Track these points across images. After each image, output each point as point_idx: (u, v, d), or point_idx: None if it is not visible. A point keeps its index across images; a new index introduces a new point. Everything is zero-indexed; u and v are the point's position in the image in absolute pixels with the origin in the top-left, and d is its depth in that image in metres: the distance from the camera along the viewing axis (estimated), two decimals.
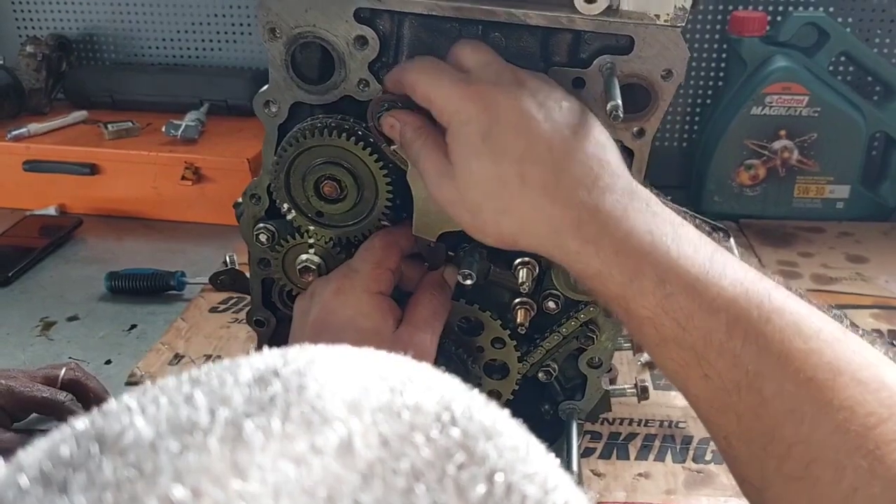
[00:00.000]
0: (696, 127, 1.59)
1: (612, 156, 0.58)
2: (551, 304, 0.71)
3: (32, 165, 1.48)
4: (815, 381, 0.49)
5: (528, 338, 0.74)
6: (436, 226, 0.66)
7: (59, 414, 0.88)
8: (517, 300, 0.71)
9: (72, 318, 1.18)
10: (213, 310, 1.19)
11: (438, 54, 0.63)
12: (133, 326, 1.16)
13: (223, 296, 1.20)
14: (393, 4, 0.62)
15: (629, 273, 0.54)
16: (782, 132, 1.41)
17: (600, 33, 0.62)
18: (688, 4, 0.60)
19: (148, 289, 1.23)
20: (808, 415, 0.49)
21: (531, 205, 0.56)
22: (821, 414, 0.48)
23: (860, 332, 0.55)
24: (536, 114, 0.56)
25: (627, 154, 0.65)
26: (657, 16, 0.60)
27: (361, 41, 0.63)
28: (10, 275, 1.27)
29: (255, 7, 0.62)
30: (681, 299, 0.52)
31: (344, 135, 0.64)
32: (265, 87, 0.66)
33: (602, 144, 0.58)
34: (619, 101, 0.57)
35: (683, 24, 0.60)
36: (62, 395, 0.88)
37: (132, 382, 1.03)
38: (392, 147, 0.63)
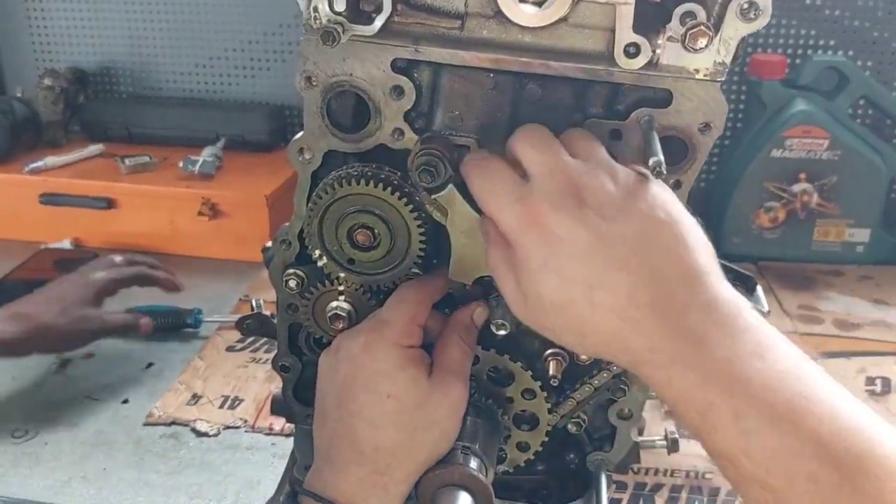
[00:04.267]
0: (714, 168, 1.59)
1: (694, 258, 0.52)
2: (584, 356, 0.70)
3: (49, 199, 1.48)
4: None
5: (559, 389, 0.73)
6: (472, 271, 0.65)
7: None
8: (549, 350, 0.70)
9: (88, 356, 1.17)
10: (231, 349, 1.18)
11: (474, 105, 0.63)
12: (150, 364, 1.15)
13: (240, 335, 1.19)
14: (431, 56, 0.61)
15: (702, 406, 0.49)
16: (802, 175, 1.41)
17: (638, 86, 0.62)
18: (727, 59, 0.59)
19: (164, 326, 1.22)
20: None
21: (604, 329, 0.52)
22: None
23: None
24: (598, 240, 0.52)
25: None
26: (696, 70, 0.60)
27: (398, 91, 0.62)
28: None
29: (293, 55, 0.62)
30: (763, 437, 0.47)
31: (380, 184, 0.63)
32: (299, 135, 0.66)
33: (681, 251, 0.52)
34: (662, 157, 0.56)
35: (723, 79, 0.60)
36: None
37: (151, 423, 1.02)
38: (432, 196, 0.62)
